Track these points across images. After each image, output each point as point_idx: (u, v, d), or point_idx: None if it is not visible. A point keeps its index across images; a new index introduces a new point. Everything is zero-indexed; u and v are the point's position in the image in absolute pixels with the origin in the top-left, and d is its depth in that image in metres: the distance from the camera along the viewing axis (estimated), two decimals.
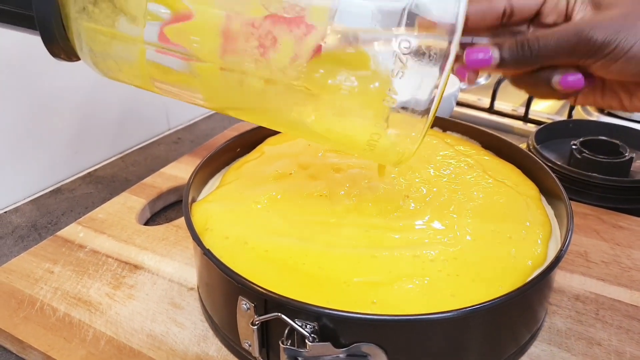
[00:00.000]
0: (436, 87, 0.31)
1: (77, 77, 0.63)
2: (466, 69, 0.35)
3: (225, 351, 0.39)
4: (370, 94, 0.32)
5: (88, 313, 0.42)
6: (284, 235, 0.40)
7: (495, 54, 0.34)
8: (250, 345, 0.35)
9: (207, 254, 0.36)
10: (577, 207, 0.55)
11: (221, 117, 0.83)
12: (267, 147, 0.52)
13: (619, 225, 0.53)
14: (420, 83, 0.31)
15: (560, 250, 0.36)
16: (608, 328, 0.41)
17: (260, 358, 0.36)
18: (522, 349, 0.39)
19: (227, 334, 0.39)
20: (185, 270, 0.47)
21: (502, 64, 0.34)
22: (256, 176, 0.47)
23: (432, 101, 0.31)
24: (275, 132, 0.55)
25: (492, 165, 0.50)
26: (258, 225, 0.41)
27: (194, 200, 0.45)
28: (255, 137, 0.54)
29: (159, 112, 0.76)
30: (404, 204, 0.43)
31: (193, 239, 0.38)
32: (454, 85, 0.74)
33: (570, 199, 0.42)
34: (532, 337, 0.40)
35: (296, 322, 0.32)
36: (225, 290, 0.36)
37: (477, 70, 0.35)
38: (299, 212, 0.42)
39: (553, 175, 0.45)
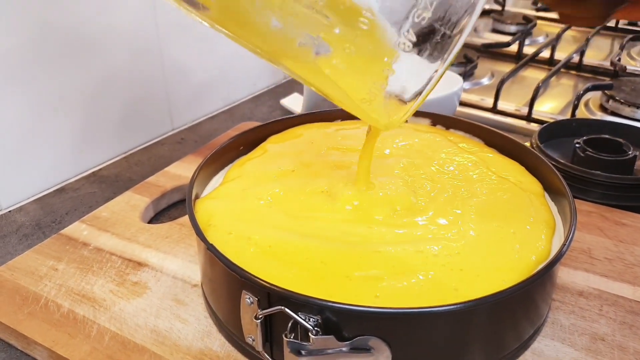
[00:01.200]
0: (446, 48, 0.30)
1: (80, 77, 0.63)
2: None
3: (229, 346, 0.39)
4: (386, 35, 0.30)
5: (92, 309, 0.43)
6: (286, 230, 0.40)
7: None
8: (253, 340, 0.35)
9: (210, 248, 0.36)
10: (581, 205, 0.55)
11: (225, 118, 0.83)
12: (269, 145, 0.52)
13: (622, 223, 0.53)
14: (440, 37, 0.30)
15: (564, 244, 0.36)
16: (611, 323, 0.41)
17: (263, 352, 0.36)
18: (526, 344, 0.39)
19: (230, 329, 0.39)
20: (188, 267, 0.47)
21: None
22: (259, 173, 0.47)
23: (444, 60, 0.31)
24: (277, 131, 0.55)
25: (495, 162, 0.49)
26: (261, 221, 0.41)
27: (197, 197, 0.45)
28: (258, 136, 0.54)
29: (163, 113, 0.76)
30: (407, 201, 0.43)
31: (196, 234, 0.38)
32: (456, 84, 0.74)
33: (574, 196, 0.42)
34: (536, 332, 0.40)
35: (299, 315, 0.32)
36: (229, 284, 0.37)
37: None
38: (302, 208, 0.42)
39: (556, 171, 0.45)
